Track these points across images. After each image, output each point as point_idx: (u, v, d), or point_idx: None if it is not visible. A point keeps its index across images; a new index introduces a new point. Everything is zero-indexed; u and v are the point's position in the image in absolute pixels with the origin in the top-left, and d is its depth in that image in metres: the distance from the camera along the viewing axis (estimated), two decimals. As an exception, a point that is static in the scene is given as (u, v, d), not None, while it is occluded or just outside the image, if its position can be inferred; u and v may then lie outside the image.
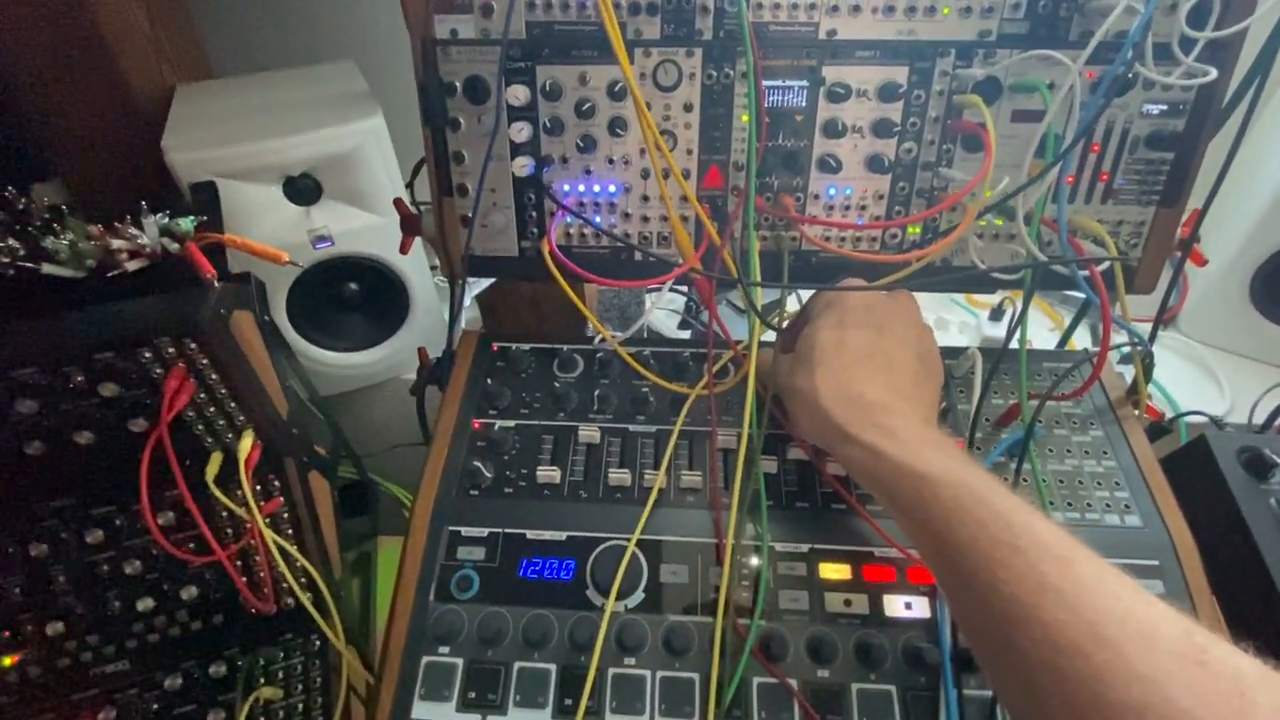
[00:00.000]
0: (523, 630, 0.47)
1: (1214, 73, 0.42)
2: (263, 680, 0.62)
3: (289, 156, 0.74)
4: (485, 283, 0.85)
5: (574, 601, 0.48)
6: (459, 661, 0.47)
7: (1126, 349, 0.55)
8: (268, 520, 0.63)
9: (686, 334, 0.92)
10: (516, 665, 0.46)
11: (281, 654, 0.64)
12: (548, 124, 0.51)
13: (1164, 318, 1.01)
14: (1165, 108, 0.49)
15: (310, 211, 0.80)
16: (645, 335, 0.90)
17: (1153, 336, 0.55)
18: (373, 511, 0.90)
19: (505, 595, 0.49)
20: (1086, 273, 0.47)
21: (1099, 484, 0.52)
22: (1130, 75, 0.44)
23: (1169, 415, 0.62)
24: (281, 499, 0.64)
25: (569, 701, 0.45)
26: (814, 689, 0.45)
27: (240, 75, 0.91)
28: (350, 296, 0.89)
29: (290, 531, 0.64)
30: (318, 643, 0.64)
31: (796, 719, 0.44)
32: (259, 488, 0.63)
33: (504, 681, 0.46)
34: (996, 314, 0.85)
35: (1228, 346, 0.96)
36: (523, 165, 0.51)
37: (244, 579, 0.60)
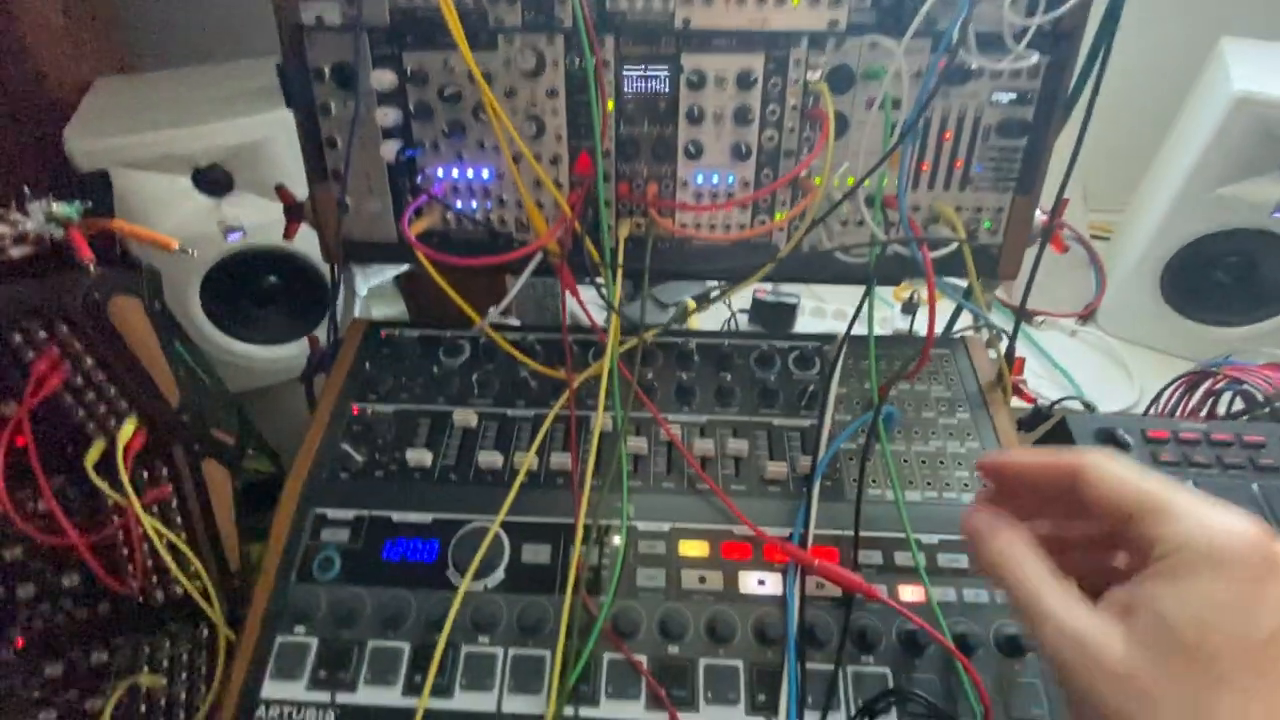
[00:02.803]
0: (379, 610, 0.47)
1: (1035, 56, 0.44)
2: (146, 668, 0.62)
3: (194, 146, 0.74)
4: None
5: (434, 582, 0.49)
6: (313, 641, 0.47)
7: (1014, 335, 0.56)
8: (155, 508, 0.63)
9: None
10: (370, 644, 0.46)
11: (168, 642, 0.63)
12: (414, 109, 0.51)
13: (1083, 313, 1.04)
14: (1014, 96, 0.50)
15: (221, 203, 0.80)
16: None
17: (1016, 326, 0.56)
18: (289, 504, 0.89)
19: (366, 576, 0.49)
20: (943, 254, 0.48)
21: (960, 464, 0.53)
22: (972, 66, 0.45)
23: (1049, 402, 0.63)
24: (170, 487, 0.63)
25: (419, 679, 0.45)
26: (662, 664, 0.45)
27: (162, 70, 0.91)
28: (269, 289, 0.90)
29: (179, 520, 0.64)
30: (206, 631, 0.64)
31: (643, 693, 0.44)
32: (146, 475, 0.63)
33: (356, 660, 0.46)
34: (908, 308, 0.86)
35: (1142, 341, 0.98)
36: (392, 149, 0.52)
37: (130, 566, 0.60)
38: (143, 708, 0.60)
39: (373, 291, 1.10)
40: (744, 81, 0.50)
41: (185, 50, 0.96)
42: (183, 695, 0.62)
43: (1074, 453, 0.28)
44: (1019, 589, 0.27)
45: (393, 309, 1.09)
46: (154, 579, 0.63)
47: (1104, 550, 0.29)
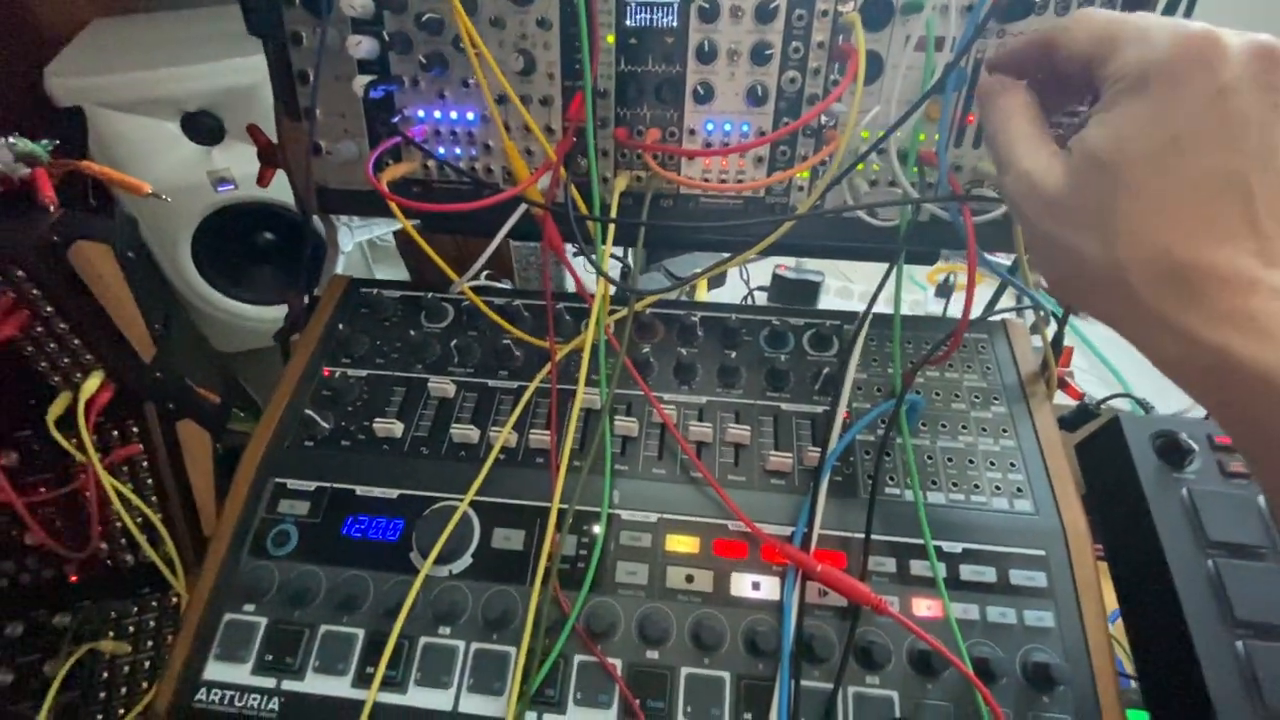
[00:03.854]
0: (334, 591, 0.43)
1: (1113, -20, 0.36)
2: (112, 634, 0.59)
3: (181, 89, 0.70)
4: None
5: (396, 564, 0.44)
6: (262, 621, 0.43)
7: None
8: (125, 468, 0.60)
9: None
10: (322, 628, 0.42)
11: (135, 608, 0.61)
12: (390, 38, 0.46)
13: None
14: (1083, 37, 0.43)
15: (212, 152, 0.76)
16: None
17: (1068, 309, 0.49)
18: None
19: (324, 554, 0.45)
20: (984, 220, 0.42)
21: (992, 464, 0.47)
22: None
23: (1099, 398, 0.56)
24: (140, 446, 0.60)
25: (371, 670, 0.41)
26: (638, 671, 0.40)
27: (163, 11, 0.87)
28: (265, 246, 0.86)
29: (150, 481, 0.61)
30: (175, 599, 0.61)
31: (615, 702, 0.40)
32: (116, 433, 0.60)
33: (306, 644, 0.42)
34: (942, 291, 0.79)
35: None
36: (362, 84, 0.46)
37: (89, 527, 0.57)
38: (104, 674, 0.58)
39: (379, 253, 1.06)
40: (763, 13, 0.43)
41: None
42: (147, 664, 0.59)
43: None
44: (1000, 142, 0.29)
45: (396, 270, 1.05)
46: (123, 542, 0.61)
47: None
